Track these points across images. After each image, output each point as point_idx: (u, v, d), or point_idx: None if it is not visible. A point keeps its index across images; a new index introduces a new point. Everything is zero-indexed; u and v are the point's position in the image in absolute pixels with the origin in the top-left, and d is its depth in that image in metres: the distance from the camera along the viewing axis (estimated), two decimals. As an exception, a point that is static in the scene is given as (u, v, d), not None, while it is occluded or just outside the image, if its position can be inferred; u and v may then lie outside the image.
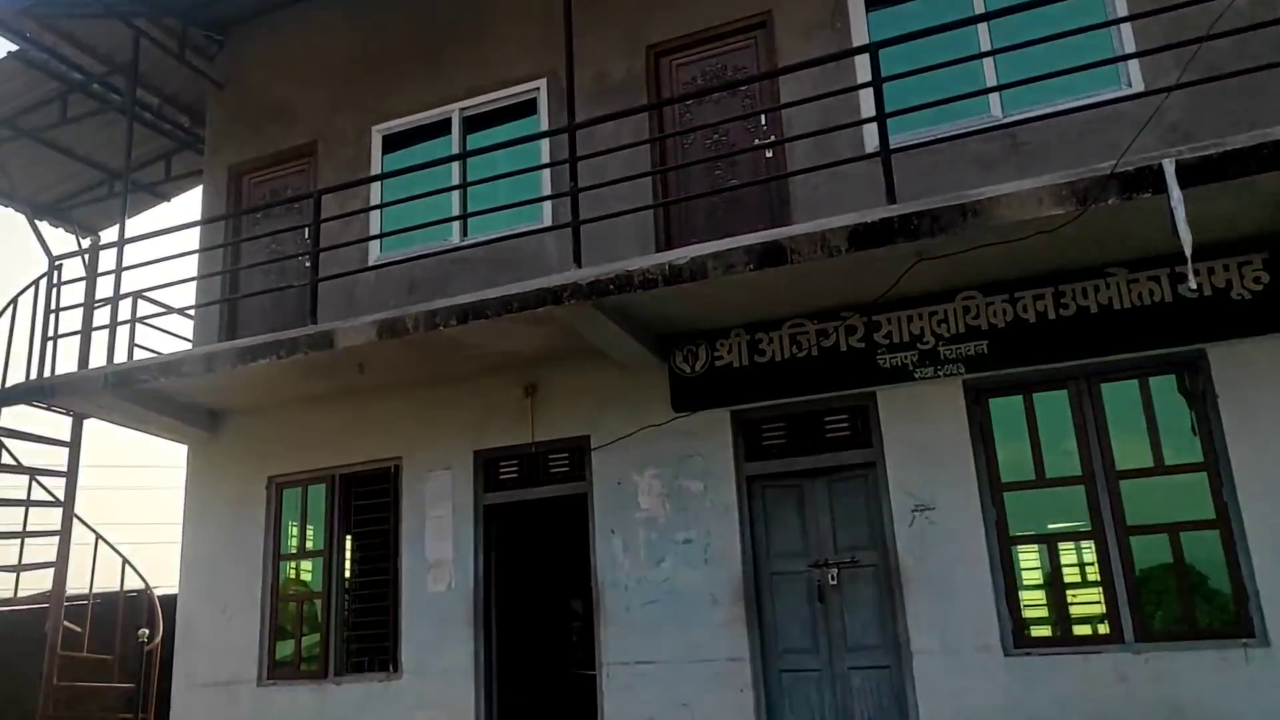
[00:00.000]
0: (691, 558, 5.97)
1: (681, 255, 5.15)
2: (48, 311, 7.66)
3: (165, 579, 8.90)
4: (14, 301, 7.88)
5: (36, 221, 8.68)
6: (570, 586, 8.21)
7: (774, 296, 5.70)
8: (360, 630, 6.94)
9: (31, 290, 7.79)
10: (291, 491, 7.40)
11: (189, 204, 41.37)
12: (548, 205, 6.93)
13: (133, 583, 8.18)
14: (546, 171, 6.93)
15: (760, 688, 5.68)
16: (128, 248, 7.55)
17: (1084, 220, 4.50)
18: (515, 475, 6.74)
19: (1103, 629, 5.09)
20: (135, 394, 6.97)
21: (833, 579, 5.67)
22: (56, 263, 7.72)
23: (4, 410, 7.61)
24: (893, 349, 5.67)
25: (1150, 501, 5.09)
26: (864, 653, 5.54)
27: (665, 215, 6.63)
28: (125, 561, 8.25)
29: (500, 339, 6.24)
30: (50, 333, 7.57)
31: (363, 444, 7.17)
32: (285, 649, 7.17)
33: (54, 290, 7.69)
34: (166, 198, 9.79)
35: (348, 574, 7.12)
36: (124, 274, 7.35)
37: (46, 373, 7.45)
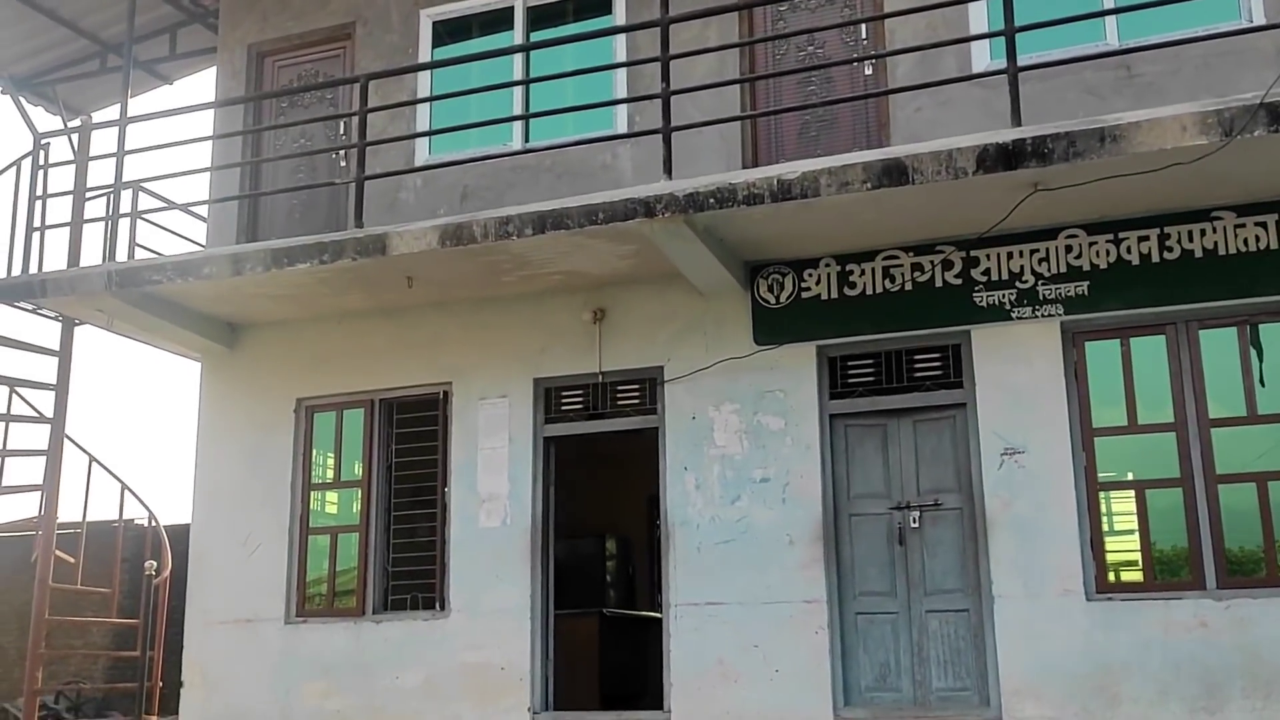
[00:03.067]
0: (768, 497, 8.18)
1: (792, 169, 7.20)
2: (33, 197, 9.40)
3: (164, 510, 11.07)
4: None
5: (15, 97, 10.70)
6: (608, 525, 10.50)
7: (871, 225, 7.76)
8: (402, 566, 9.20)
9: (12, 172, 9.45)
10: (324, 416, 9.62)
11: (194, 88, 41.85)
12: (621, 112, 8.99)
13: (132, 512, 10.42)
14: (621, 74, 8.97)
15: (836, 630, 7.91)
16: (127, 131, 9.18)
17: (1208, 158, 6.36)
18: (579, 406, 8.92)
19: (1185, 575, 7.27)
20: (142, 297, 8.90)
21: (914, 521, 7.89)
22: (43, 141, 9.54)
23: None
24: (990, 287, 7.79)
25: (1240, 450, 7.24)
26: (942, 596, 7.76)
27: (753, 131, 8.70)
28: (124, 487, 10.45)
29: (572, 256, 8.32)
30: (36, 223, 9.43)
31: (407, 367, 9.33)
32: (316, 586, 9.46)
33: (39, 173, 9.50)
34: (168, 79, 11.75)
35: (389, 507, 9.36)
36: (124, 160, 9.00)
37: (34, 268, 9.18)
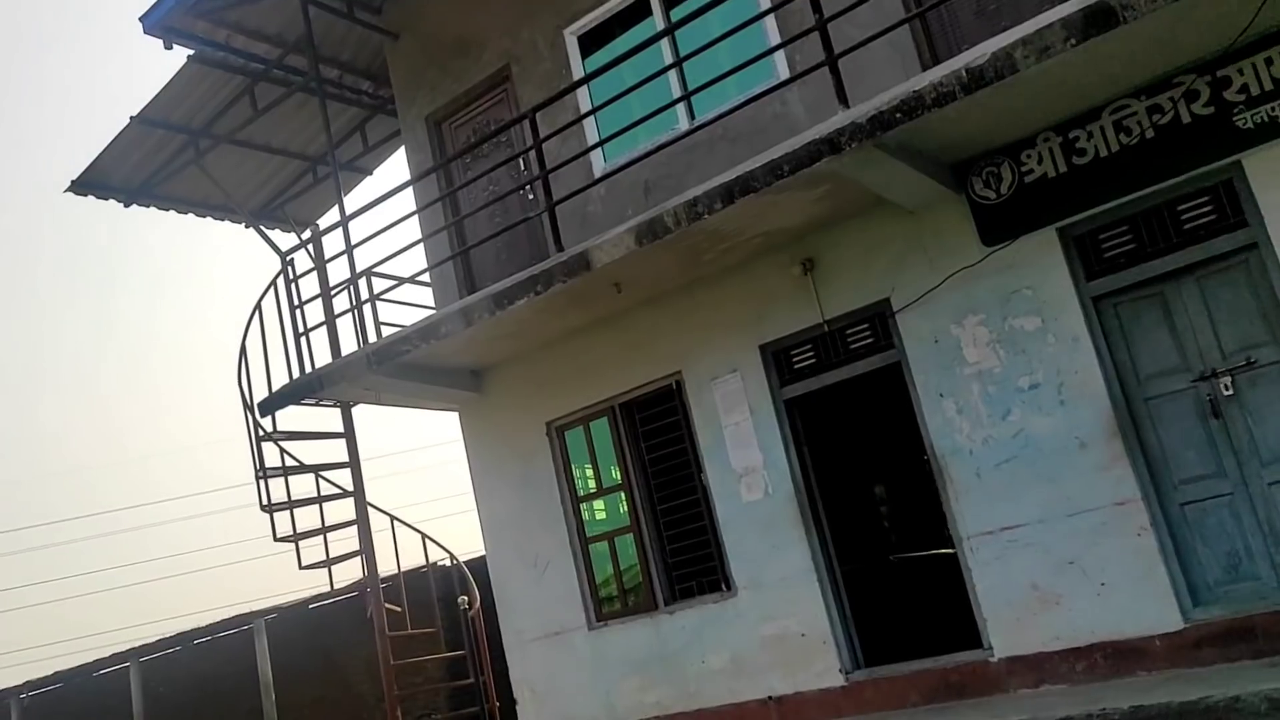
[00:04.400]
0: (1043, 403, 5.98)
1: (979, 54, 5.09)
2: (292, 308, 8.63)
3: (458, 548, 9.92)
4: (258, 307, 8.97)
5: (256, 227, 9.76)
6: (872, 470, 8.42)
7: (1085, 83, 5.52)
8: (680, 555, 7.51)
9: (265, 290, 8.79)
10: (573, 432, 8.05)
11: (391, 173, 44.77)
12: (780, 61, 6.99)
13: (433, 556, 9.25)
14: (771, 24, 6.97)
15: (1161, 527, 5.65)
16: (349, 229, 8.28)
17: None
18: (811, 361, 6.98)
19: None
20: (398, 368, 7.80)
21: (1226, 388, 5.50)
22: (288, 257, 8.66)
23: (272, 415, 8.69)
24: (1253, 103, 5.35)
25: None
26: (1285, 464, 5.35)
27: (924, 29, 6.52)
28: (424, 536, 9.31)
29: (765, 217, 6.44)
30: (299, 328, 8.52)
31: (636, 367, 7.66)
32: (607, 589, 7.85)
33: (291, 286, 8.64)
34: (368, 171, 10.72)
35: (652, 502, 7.65)
36: (353, 251, 8.06)
37: (307, 368, 8.43)
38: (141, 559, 45.85)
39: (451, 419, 8.85)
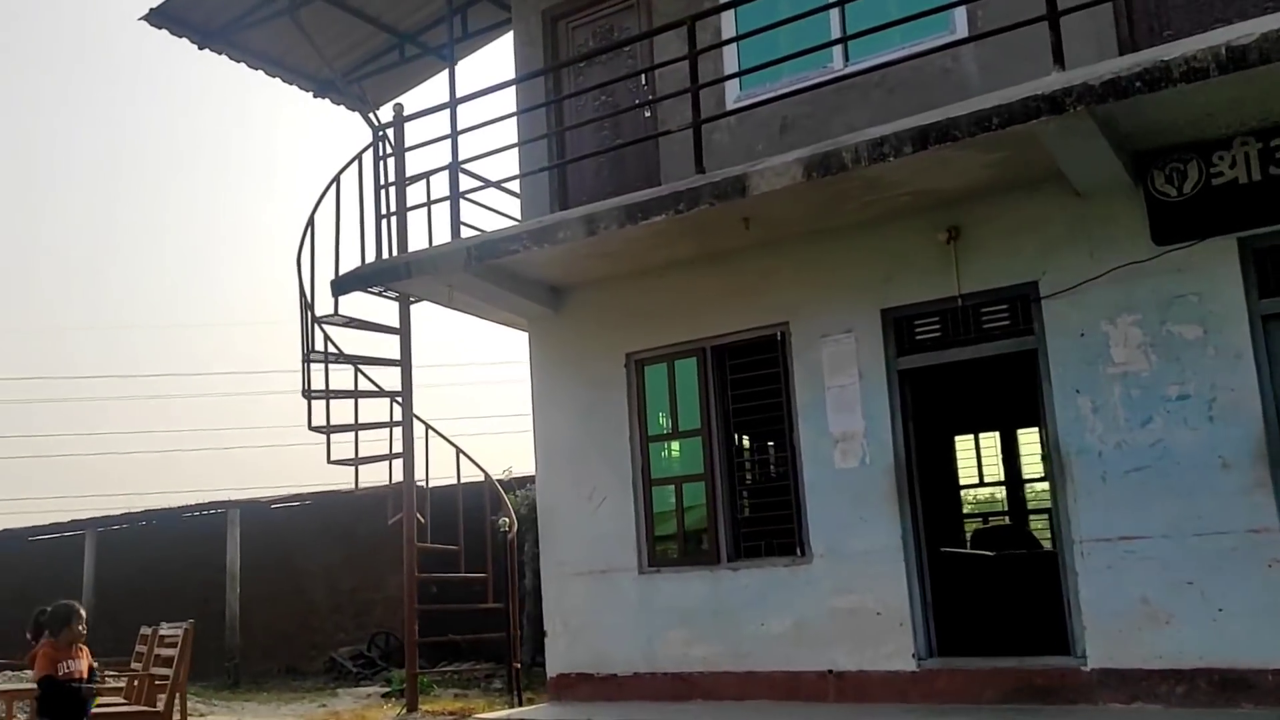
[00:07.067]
0: (1190, 416, 5.70)
1: (1246, 31, 4.66)
2: (377, 188, 8.05)
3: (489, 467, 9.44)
4: (336, 181, 8.34)
5: (340, 95, 9.09)
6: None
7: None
8: (754, 513, 7.14)
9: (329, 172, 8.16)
10: (655, 368, 7.60)
11: (478, 66, 43.06)
12: (960, 19, 6.53)
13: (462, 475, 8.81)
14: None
15: (1295, 562, 5.40)
16: (429, 118, 7.72)
17: None
18: (936, 334, 6.61)
19: None
20: (486, 270, 7.23)
21: (1395, 432, 5.24)
22: (380, 132, 8.04)
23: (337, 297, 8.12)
24: None
25: None
26: None
27: (1127, 10, 6.07)
28: (458, 451, 8.85)
29: (928, 173, 6.03)
30: (383, 210, 7.94)
31: (738, 311, 7.23)
32: (664, 535, 7.48)
33: (379, 164, 8.05)
34: (454, 61, 9.97)
35: (730, 453, 7.27)
36: (458, 138, 7.44)
37: (384, 253, 7.85)
38: (166, 427, 45.09)
39: (493, 337, 8.34)
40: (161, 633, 7.18)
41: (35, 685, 5.09)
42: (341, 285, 7.47)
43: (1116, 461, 5.88)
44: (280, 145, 65.22)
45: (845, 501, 6.69)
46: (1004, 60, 6.27)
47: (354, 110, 9.79)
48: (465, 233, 7.59)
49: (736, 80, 7.34)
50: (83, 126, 59.43)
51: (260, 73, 9.19)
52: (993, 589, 7.52)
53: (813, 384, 6.89)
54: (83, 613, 5.16)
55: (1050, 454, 6.17)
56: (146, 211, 58.04)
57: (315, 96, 9.60)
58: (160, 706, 6.66)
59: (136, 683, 7.18)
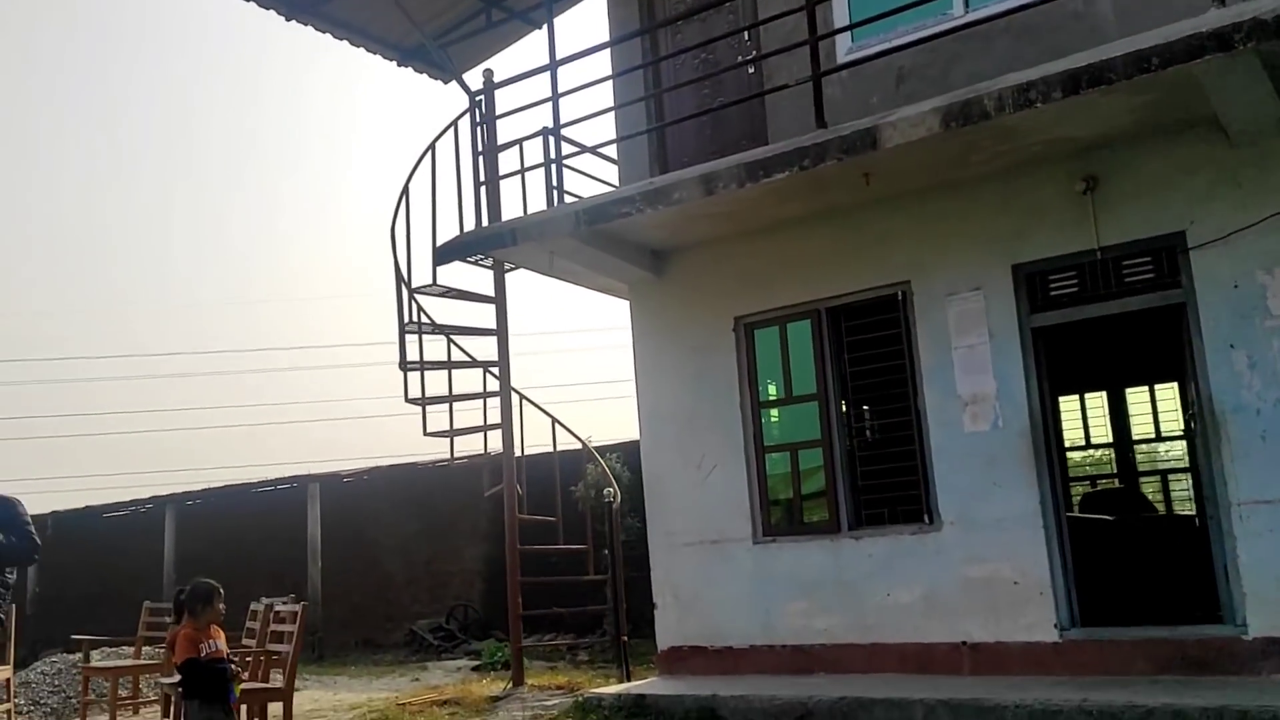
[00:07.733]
0: (1361, 370, 5.34)
1: None
2: (475, 154, 7.88)
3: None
4: (431, 148, 8.17)
5: (409, 65, 8.91)
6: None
7: None
8: (875, 479, 6.92)
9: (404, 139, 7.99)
10: (765, 332, 7.38)
11: (565, 30, 42.51)
12: (1089, -49, 6.16)
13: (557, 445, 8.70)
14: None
15: None
16: (520, 83, 7.51)
17: None
18: (1073, 290, 6.31)
19: None
20: (589, 234, 7.04)
21: None
22: (475, 99, 7.86)
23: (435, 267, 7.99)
24: None
25: None
26: None
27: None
28: (554, 420, 8.72)
29: (1065, 120, 5.72)
30: (481, 177, 7.77)
31: (854, 270, 6.97)
32: (779, 503, 7.29)
33: (475, 131, 7.88)
34: (539, 24, 9.75)
35: (849, 418, 7.04)
36: (521, 114, 7.37)
37: (483, 221, 7.71)
38: (254, 402, 45.86)
39: (584, 302, 8.16)
40: (276, 609, 7.15)
41: (176, 670, 5.01)
42: (444, 254, 7.33)
43: (1276, 419, 5.57)
44: (355, 118, 65.41)
45: (976, 466, 6.43)
46: (1140, 3, 5.91)
47: (436, 79, 9.62)
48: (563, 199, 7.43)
49: (850, 34, 7.03)
50: (155, 99, 59.99)
51: (345, 43, 9.02)
52: (1128, 556, 7.24)
53: (938, 345, 6.63)
54: (221, 591, 5.08)
55: (1200, 413, 5.86)
56: (211, 187, 58.85)
57: (399, 65, 9.42)
58: (280, 684, 6.62)
59: (249, 659, 7.17)
